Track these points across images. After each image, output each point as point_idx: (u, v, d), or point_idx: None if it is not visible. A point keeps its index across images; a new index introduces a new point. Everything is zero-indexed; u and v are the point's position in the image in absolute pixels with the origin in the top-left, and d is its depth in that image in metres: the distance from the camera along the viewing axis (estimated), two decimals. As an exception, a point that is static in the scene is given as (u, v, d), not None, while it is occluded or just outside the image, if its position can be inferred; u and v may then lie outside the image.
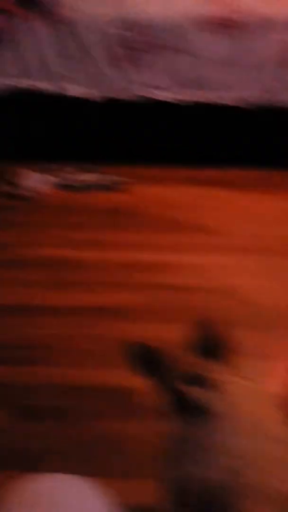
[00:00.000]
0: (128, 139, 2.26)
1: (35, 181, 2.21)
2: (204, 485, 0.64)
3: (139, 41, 2.03)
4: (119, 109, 2.18)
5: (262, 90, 2.10)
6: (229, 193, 2.20)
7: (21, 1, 2.02)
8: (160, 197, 2.18)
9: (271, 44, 2.02)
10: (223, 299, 1.60)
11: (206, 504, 0.64)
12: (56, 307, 1.62)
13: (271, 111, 2.14)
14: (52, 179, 2.23)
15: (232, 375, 0.72)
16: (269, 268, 1.74)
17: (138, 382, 1.28)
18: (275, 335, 1.45)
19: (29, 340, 1.50)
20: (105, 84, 2.12)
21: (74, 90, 2.13)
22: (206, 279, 1.70)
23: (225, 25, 2.01)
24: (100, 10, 2.04)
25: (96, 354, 1.43)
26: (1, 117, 2.17)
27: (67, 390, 1.33)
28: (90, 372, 1.37)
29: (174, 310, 1.57)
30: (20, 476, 0.58)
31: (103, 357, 1.41)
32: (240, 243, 1.88)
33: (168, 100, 2.14)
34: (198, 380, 0.66)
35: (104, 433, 1.21)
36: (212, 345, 0.72)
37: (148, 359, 0.71)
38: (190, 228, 1.97)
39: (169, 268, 1.76)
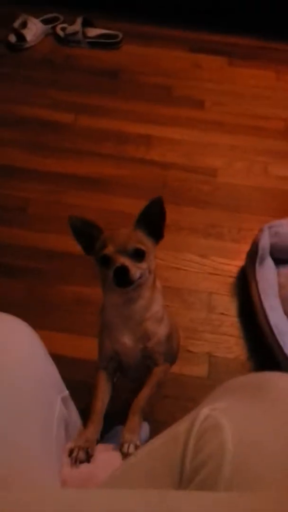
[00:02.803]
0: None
1: (37, 31, 2.02)
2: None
3: None
4: None
5: None
6: (228, 64, 2.02)
7: None
8: (156, 61, 2.00)
9: None
10: (201, 180, 1.59)
11: None
12: (34, 171, 1.58)
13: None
14: (51, 31, 2.07)
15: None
16: (259, 152, 1.69)
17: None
18: (246, 217, 1.48)
19: (5, 201, 1.50)
20: None
21: None
22: (187, 157, 1.65)
23: None
24: None
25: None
26: None
27: (40, 253, 1.38)
28: (64, 240, 1.41)
29: (152, 187, 1.56)
30: None
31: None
32: (232, 122, 1.78)
33: None
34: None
35: (69, 295, 1.29)
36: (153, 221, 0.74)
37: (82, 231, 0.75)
38: (181, 101, 1.85)
39: (153, 142, 1.70)
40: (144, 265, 0.71)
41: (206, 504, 0.33)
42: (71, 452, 0.65)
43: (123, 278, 0.68)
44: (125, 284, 0.69)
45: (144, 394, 0.74)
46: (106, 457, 0.67)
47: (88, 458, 0.66)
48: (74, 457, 0.64)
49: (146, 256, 0.71)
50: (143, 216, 0.74)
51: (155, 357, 0.78)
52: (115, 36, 2.05)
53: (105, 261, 0.70)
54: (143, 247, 0.71)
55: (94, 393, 0.76)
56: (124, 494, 0.35)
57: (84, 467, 0.64)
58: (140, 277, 0.70)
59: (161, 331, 0.79)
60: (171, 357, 0.87)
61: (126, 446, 0.67)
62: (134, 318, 0.75)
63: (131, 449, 0.67)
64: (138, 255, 0.70)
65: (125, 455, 0.67)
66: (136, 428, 0.70)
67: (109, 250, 0.70)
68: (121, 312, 0.75)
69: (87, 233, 0.75)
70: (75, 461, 0.64)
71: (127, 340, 0.76)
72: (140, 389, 0.76)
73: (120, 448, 0.68)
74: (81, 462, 0.65)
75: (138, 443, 0.68)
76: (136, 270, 0.69)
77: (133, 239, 0.71)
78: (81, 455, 0.65)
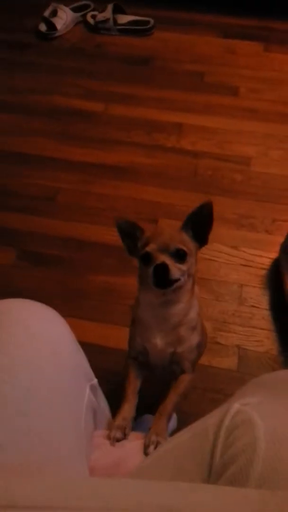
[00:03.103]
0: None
1: (67, 19, 2.02)
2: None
3: None
4: None
5: None
6: (264, 49, 1.95)
7: None
8: (188, 47, 1.96)
9: None
10: (234, 169, 1.55)
11: None
12: (64, 160, 1.59)
13: None
14: (82, 18, 2.08)
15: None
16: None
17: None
18: (280, 208, 1.44)
19: (33, 189, 1.51)
20: None
21: None
22: (220, 146, 1.62)
23: None
24: None
25: (100, 213, 1.45)
26: None
27: (70, 243, 1.39)
28: (94, 229, 1.41)
29: (183, 177, 1.54)
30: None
31: (110, 217, 1.44)
32: (267, 109, 1.73)
33: None
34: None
35: (98, 285, 1.30)
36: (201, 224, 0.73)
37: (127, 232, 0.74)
38: (214, 88, 1.81)
39: (185, 130, 1.67)
40: (184, 266, 0.69)
41: (236, 500, 0.32)
42: (109, 432, 0.67)
43: (162, 277, 0.66)
44: (164, 284, 0.67)
45: (171, 400, 0.74)
46: (134, 445, 0.67)
47: (125, 436, 0.68)
48: (112, 436, 0.66)
49: (187, 257, 0.69)
50: (191, 218, 0.72)
51: (183, 363, 0.77)
52: (146, 23, 2.02)
53: (146, 258, 0.69)
54: (185, 248, 0.69)
55: (126, 377, 0.77)
56: (153, 486, 0.34)
57: (112, 455, 0.64)
58: (179, 279, 0.68)
59: (194, 339, 0.77)
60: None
61: (151, 448, 0.67)
62: (170, 321, 0.74)
63: (161, 441, 0.67)
64: (180, 255, 0.69)
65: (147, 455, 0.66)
66: (163, 431, 0.70)
67: (151, 247, 0.68)
68: (157, 313, 0.74)
69: (131, 234, 0.74)
70: (112, 440, 0.65)
71: (158, 341, 0.75)
72: (167, 393, 0.75)
73: (144, 448, 0.67)
74: (118, 440, 0.66)
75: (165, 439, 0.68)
76: (176, 270, 0.67)
77: (177, 239, 0.69)
78: (118, 434, 0.67)
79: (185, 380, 0.77)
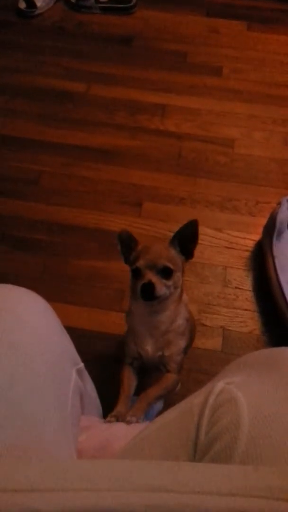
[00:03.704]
0: None
1: None
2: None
3: None
4: None
5: None
6: (247, 28, 1.93)
7: None
8: (171, 26, 1.93)
9: None
10: (218, 151, 1.55)
11: None
12: (46, 142, 1.56)
13: None
14: None
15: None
16: (279, 122, 1.62)
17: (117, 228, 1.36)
18: (263, 190, 1.45)
19: (15, 172, 1.48)
20: None
21: None
22: (204, 128, 1.61)
23: None
24: None
25: (83, 196, 1.44)
26: None
27: (54, 227, 1.37)
28: (77, 213, 1.40)
29: (167, 159, 1.53)
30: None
31: (93, 200, 1.42)
32: (251, 90, 1.72)
33: None
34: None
35: (83, 269, 1.29)
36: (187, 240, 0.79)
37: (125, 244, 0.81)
38: (198, 68, 1.78)
39: (169, 111, 1.65)
40: (170, 282, 0.76)
41: (219, 476, 0.33)
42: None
43: (148, 293, 0.74)
44: (150, 298, 0.75)
45: (153, 392, 0.81)
46: (121, 427, 0.68)
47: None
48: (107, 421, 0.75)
49: (173, 274, 0.76)
50: (178, 235, 0.79)
51: (170, 365, 0.84)
52: (128, 1, 1.97)
53: (136, 273, 0.76)
54: (171, 266, 0.76)
55: (121, 381, 0.85)
56: (139, 466, 0.35)
57: (100, 437, 0.65)
58: (164, 293, 0.76)
59: (181, 343, 0.85)
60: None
61: (130, 417, 0.75)
62: (159, 328, 0.82)
63: (134, 420, 0.74)
64: (166, 272, 0.76)
65: (128, 422, 0.74)
66: (138, 411, 0.77)
67: (141, 264, 0.76)
68: (147, 321, 0.82)
69: (128, 245, 0.81)
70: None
71: (149, 347, 0.83)
72: (152, 385, 0.83)
73: (126, 418, 0.75)
74: None
75: (140, 420, 0.75)
76: (161, 286, 0.75)
77: (164, 257, 0.77)
78: (113, 420, 0.75)
79: (170, 379, 0.84)
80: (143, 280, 0.74)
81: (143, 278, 0.74)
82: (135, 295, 0.77)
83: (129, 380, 0.85)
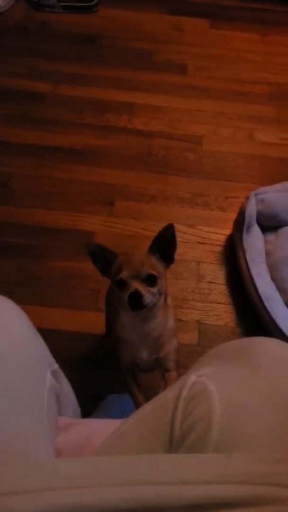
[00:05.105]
0: None
1: None
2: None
3: None
4: None
5: None
6: (210, 26, 1.96)
7: None
8: (134, 24, 1.93)
9: None
10: (187, 148, 1.57)
11: None
12: (15, 144, 1.54)
13: None
14: None
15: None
16: (244, 118, 1.66)
17: (96, 227, 1.36)
18: (232, 185, 1.48)
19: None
20: None
21: None
22: (171, 125, 1.62)
23: None
24: None
25: (55, 197, 1.43)
26: None
27: (26, 229, 1.36)
28: (50, 215, 1.39)
29: (137, 157, 1.54)
30: None
31: (65, 201, 1.42)
32: (216, 87, 1.74)
33: None
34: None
35: (58, 270, 1.29)
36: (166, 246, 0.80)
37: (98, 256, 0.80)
38: (163, 66, 1.80)
39: (136, 110, 1.65)
40: (155, 289, 0.76)
41: (194, 466, 0.34)
42: None
43: (136, 302, 0.74)
44: (138, 307, 0.75)
45: None
46: (100, 425, 0.68)
47: None
48: None
49: (157, 280, 0.76)
50: (156, 242, 0.79)
51: (168, 364, 0.86)
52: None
53: (121, 284, 0.75)
54: (155, 273, 0.76)
55: (131, 395, 0.88)
56: (116, 461, 0.36)
57: (79, 435, 0.65)
58: (151, 300, 0.76)
59: (174, 342, 0.87)
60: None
61: None
62: (151, 335, 0.82)
63: None
64: (150, 280, 0.75)
65: None
66: None
67: (124, 275, 0.75)
68: (139, 331, 0.82)
69: (103, 258, 0.80)
70: None
71: (144, 354, 0.84)
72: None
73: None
74: None
75: None
76: (148, 294, 0.75)
77: (146, 265, 0.76)
78: None
79: (173, 377, 0.86)
80: (129, 290, 0.73)
81: (129, 288, 0.74)
82: (122, 306, 0.77)
83: (137, 391, 0.88)
